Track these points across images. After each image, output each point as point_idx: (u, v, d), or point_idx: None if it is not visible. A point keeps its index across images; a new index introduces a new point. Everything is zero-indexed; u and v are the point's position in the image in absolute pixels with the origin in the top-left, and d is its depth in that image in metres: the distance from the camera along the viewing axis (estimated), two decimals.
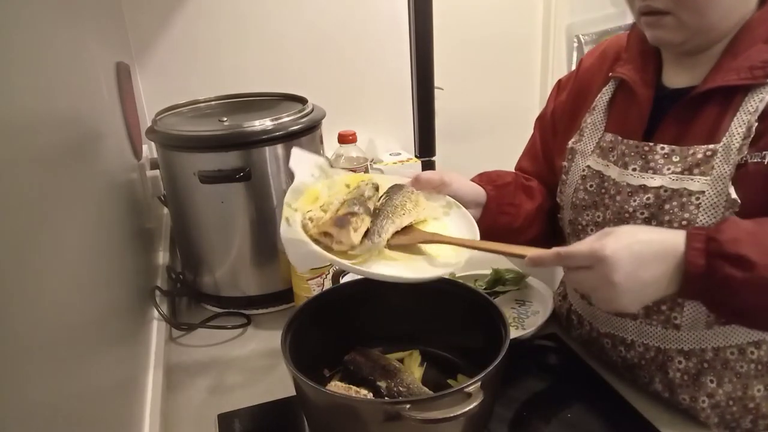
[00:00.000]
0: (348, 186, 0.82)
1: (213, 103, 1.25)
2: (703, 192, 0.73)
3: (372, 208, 0.77)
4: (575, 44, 2.37)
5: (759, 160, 0.70)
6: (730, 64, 0.74)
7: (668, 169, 0.77)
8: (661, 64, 0.83)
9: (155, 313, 1.05)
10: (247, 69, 1.65)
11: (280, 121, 1.07)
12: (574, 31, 2.37)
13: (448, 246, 0.77)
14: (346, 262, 0.71)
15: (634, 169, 0.80)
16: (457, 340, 0.88)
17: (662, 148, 0.78)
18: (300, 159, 0.83)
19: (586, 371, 0.90)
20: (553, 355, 0.96)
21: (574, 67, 1.00)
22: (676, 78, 0.81)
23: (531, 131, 1.09)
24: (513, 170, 1.05)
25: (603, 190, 0.85)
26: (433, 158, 1.86)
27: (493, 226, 0.90)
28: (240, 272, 1.13)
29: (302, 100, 1.19)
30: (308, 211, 0.76)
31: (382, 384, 0.80)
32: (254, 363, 1.01)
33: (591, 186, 0.86)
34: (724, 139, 0.73)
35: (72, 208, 0.65)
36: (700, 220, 0.73)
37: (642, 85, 0.82)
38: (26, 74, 0.56)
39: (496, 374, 0.71)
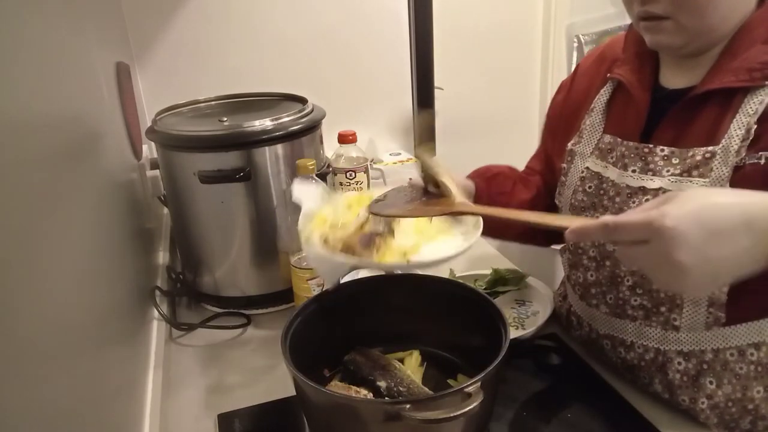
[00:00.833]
0: (350, 207, 0.87)
1: (213, 103, 1.25)
2: None
3: (394, 229, 0.82)
4: (575, 44, 2.37)
5: (756, 160, 0.70)
6: (729, 66, 0.73)
7: (667, 170, 0.77)
8: (659, 65, 0.83)
9: (155, 313, 1.05)
10: (247, 69, 1.66)
11: (280, 121, 1.07)
12: (574, 31, 2.37)
13: (452, 227, 0.81)
14: (372, 261, 0.76)
15: (633, 171, 0.80)
16: (457, 340, 0.88)
17: (662, 150, 0.78)
18: (302, 189, 0.89)
19: (586, 371, 0.90)
20: (553, 355, 0.96)
21: (574, 67, 1.00)
22: (674, 79, 0.81)
23: (531, 131, 1.09)
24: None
25: (602, 192, 0.85)
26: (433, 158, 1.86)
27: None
28: (240, 272, 1.13)
29: (302, 100, 1.19)
30: (322, 234, 0.81)
31: (382, 384, 0.80)
32: (254, 363, 1.01)
33: (590, 187, 0.86)
34: (723, 141, 0.72)
35: (72, 208, 0.65)
36: None
37: (639, 86, 0.82)
38: (26, 74, 0.56)
39: (496, 374, 0.71)
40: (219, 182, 1.04)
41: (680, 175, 0.75)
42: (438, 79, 1.82)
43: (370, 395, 0.78)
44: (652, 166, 0.78)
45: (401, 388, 0.79)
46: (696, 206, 0.53)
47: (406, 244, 0.81)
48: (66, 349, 0.54)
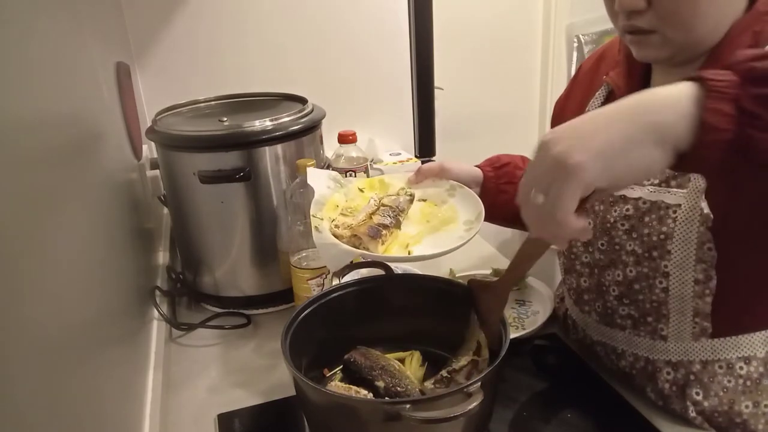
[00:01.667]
0: (362, 190, 0.93)
1: (213, 103, 1.25)
2: (680, 205, 0.72)
3: (402, 221, 0.86)
4: (575, 44, 2.37)
5: None
6: None
7: (647, 180, 0.76)
8: (650, 69, 0.82)
9: (155, 313, 1.05)
10: (247, 69, 1.66)
11: (280, 121, 1.07)
12: (574, 31, 2.37)
13: (457, 213, 0.88)
14: (377, 254, 0.80)
15: None
16: (458, 341, 0.88)
17: None
18: (316, 175, 0.92)
19: (586, 371, 0.90)
20: (553, 355, 0.96)
21: (574, 67, 1.00)
22: (662, 85, 0.80)
23: (531, 130, 1.10)
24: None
25: None
26: (433, 158, 1.87)
27: (494, 203, 0.93)
28: (240, 272, 1.13)
29: (302, 100, 1.19)
30: (333, 220, 0.85)
31: (382, 384, 0.80)
32: (254, 363, 1.01)
33: None
34: None
35: (72, 208, 0.65)
36: (677, 235, 0.73)
37: (626, 91, 0.81)
38: (26, 74, 0.56)
39: (496, 374, 0.71)
40: (219, 182, 1.04)
41: (659, 185, 0.75)
42: (438, 79, 1.82)
43: (370, 395, 0.78)
44: None
45: (400, 389, 0.79)
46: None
47: (411, 232, 0.86)
48: (66, 349, 0.54)
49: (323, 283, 1.05)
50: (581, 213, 0.55)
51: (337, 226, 0.83)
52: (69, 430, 0.52)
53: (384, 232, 0.82)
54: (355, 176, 1.30)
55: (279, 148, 1.07)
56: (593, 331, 0.89)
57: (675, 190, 0.73)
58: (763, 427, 0.76)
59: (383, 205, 0.87)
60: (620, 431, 0.81)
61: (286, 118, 1.08)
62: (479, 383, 0.66)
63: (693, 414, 0.78)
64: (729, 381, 0.76)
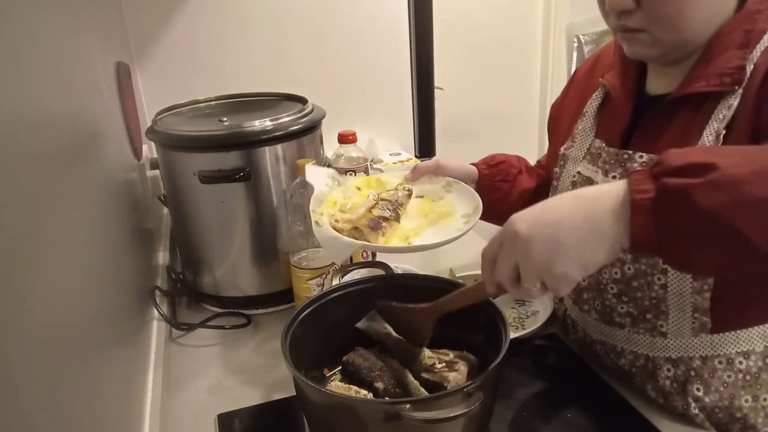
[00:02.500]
0: (359, 188, 0.95)
1: (213, 103, 1.25)
2: None
3: (401, 215, 0.89)
4: (575, 44, 2.37)
5: None
6: (703, 71, 0.72)
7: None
8: (645, 70, 0.83)
9: (155, 313, 1.05)
10: (247, 69, 1.66)
11: (280, 121, 1.07)
12: (574, 31, 2.37)
13: (454, 207, 0.89)
14: (378, 244, 0.82)
15: (614, 177, 0.79)
16: (458, 340, 0.88)
17: (641, 156, 0.77)
18: (314, 173, 0.94)
19: (586, 371, 0.90)
20: (553, 355, 0.96)
21: (573, 67, 1.01)
22: (657, 84, 0.81)
23: (530, 131, 1.10)
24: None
25: None
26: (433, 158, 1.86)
27: (489, 200, 0.94)
28: (240, 272, 1.13)
29: (302, 100, 1.19)
30: (332, 215, 0.87)
31: (382, 384, 0.80)
32: (254, 363, 1.01)
33: None
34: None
35: (72, 208, 0.65)
36: None
37: (621, 92, 0.82)
38: (26, 74, 0.56)
39: (496, 374, 0.71)
40: (219, 182, 1.04)
41: None
42: (438, 79, 1.82)
43: (369, 395, 0.78)
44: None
45: (398, 390, 0.79)
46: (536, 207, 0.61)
47: (411, 226, 0.87)
48: (66, 349, 0.54)
49: (323, 283, 1.05)
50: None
51: (337, 221, 0.85)
52: (69, 430, 0.52)
53: (384, 224, 0.83)
54: (355, 176, 1.30)
55: (279, 148, 1.07)
56: (593, 330, 0.89)
57: None
58: (762, 420, 0.77)
59: (382, 199, 0.89)
60: (620, 431, 0.81)
61: (286, 118, 1.08)
62: (479, 383, 0.66)
63: (695, 411, 0.78)
64: (729, 376, 0.77)
